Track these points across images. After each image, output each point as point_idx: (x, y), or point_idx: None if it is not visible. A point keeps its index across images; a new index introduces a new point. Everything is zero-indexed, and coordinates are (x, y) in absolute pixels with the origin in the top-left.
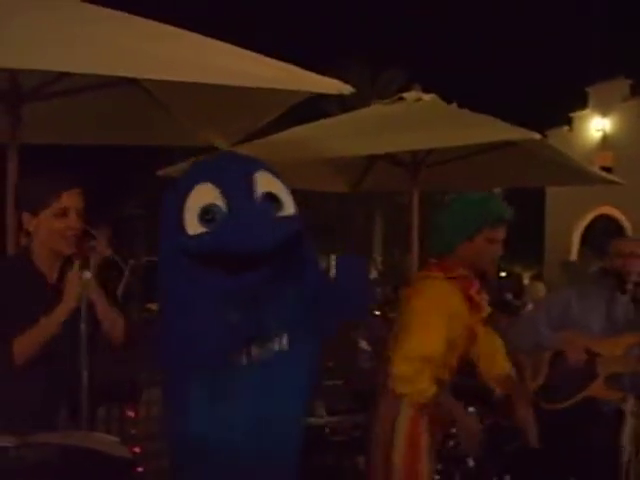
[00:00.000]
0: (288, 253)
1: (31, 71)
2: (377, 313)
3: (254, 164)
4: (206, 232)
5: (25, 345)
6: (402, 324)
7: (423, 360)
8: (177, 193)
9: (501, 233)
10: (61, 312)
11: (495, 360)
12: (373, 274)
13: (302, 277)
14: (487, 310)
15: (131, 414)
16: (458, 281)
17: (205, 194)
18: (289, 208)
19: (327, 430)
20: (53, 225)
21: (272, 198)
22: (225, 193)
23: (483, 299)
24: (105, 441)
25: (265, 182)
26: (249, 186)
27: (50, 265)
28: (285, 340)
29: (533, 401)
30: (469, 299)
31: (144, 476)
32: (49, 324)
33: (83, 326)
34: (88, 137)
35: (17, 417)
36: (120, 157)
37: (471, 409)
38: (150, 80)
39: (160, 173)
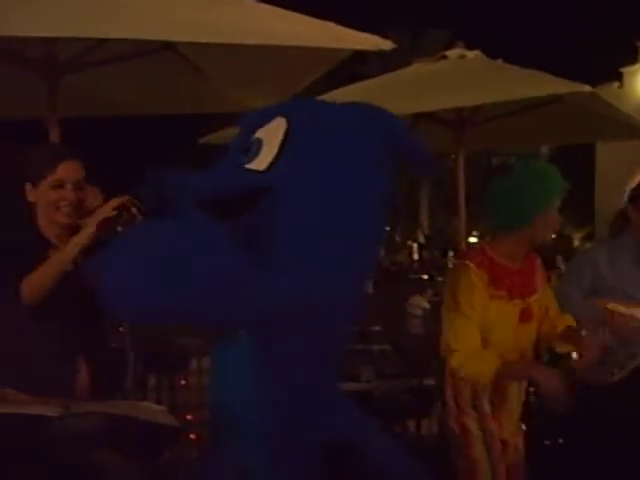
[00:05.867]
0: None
1: (68, 42)
2: (425, 277)
3: (283, 108)
4: None
5: (33, 283)
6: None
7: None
8: None
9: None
10: (72, 246)
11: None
12: (420, 238)
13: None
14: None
15: (182, 382)
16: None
17: None
18: (260, 163)
19: (376, 395)
20: (49, 196)
21: (251, 147)
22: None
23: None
24: (151, 409)
25: (269, 129)
26: (252, 129)
27: (57, 236)
28: None
29: (580, 379)
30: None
31: (197, 443)
32: (58, 260)
33: None
34: (127, 108)
35: (30, 378)
36: (162, 127)
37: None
38: (186, 46)
39: (202, 141)
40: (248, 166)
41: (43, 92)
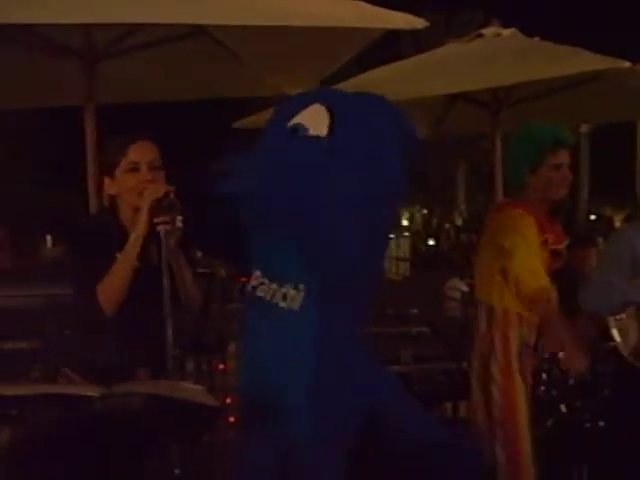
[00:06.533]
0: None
1: (104, 28)
2: (463, 260)
3: (325, 98)
4: None
5: (108, 289)
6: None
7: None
8: None
9: (564, 157)
10: (133, 241)
11: None
12: (458, 221)
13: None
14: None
15: (221, 367)
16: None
17: None
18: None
19: (414, 377)
20: (127, 182)
21: (297, 129)
22: (269, 123)
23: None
24: (191, 390)
25: (307, 115)
26: (288, 117)
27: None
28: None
29: (628, 362)
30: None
31: (236, 426)
32: (124, 259)
33: (165, 280)
34: (163, 94)
35: (95, 370)
36: (198, 113)
37: (561, 354)
38: (221, 30)
39: (236, 125)
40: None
41: (79, 80)
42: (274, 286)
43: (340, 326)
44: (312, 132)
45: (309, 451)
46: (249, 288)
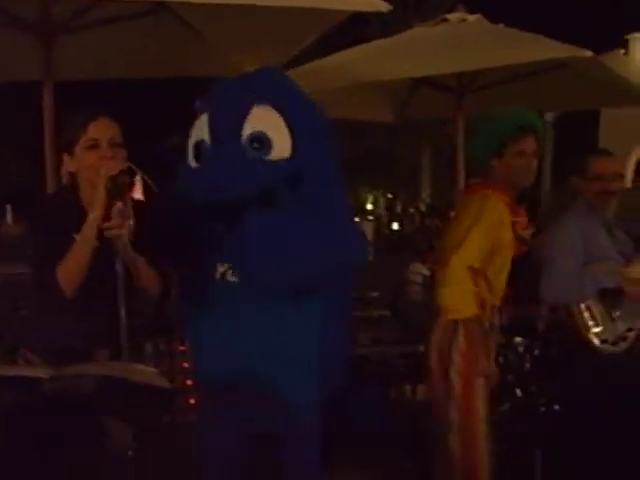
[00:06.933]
0: (275, 199)
1: (63, 2)
2: (426, 245)
3: (258, 94)
4: (195, 169)
5: (68, 270)
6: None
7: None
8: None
9: (529, 144)
10: (90, 221)
11: None
12: (422, 206)
13: (301, 226)
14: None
15: (181, 348)
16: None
17: (200, 127)
18: (281, 151)
19: (372, 360)
20: (86, 159)
21: (260, 139)
22: (212, 130)
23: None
24: (144, 372)
25: (259, 119)
26: (238, 124)
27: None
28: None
29: (594, 348)
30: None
31: (197, 408)
32: (82, 240)
33: (119, 264)
34: (123, 71)
35: (54, 351)
36: (162, 90)
37: (518, 339)
38: (183, 7)
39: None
40: (269, 157)
41: (38, 55)
42: None
43: (334, 302)
44: (277, 154)
45: (305, 423)
46: (217, 276)
